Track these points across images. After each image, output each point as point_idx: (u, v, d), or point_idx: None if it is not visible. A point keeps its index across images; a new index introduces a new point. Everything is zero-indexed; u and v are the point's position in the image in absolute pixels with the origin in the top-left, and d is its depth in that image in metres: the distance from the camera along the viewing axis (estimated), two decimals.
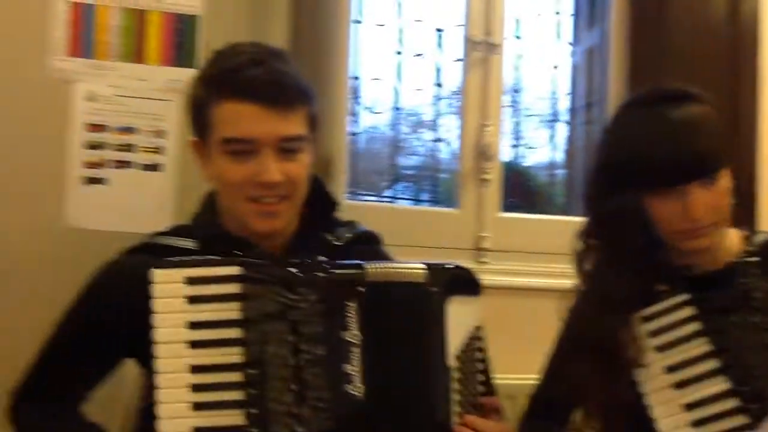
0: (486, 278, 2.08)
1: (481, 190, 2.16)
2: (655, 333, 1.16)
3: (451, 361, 1.03)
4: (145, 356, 0.99)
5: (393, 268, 1.04)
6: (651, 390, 1.15)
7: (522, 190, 2.43)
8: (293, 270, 0.97)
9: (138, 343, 1.00)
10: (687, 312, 1.15)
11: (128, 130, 1.54)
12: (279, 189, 1.06)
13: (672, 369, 1.14)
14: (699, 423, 1.11)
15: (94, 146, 1.52)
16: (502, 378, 1.96)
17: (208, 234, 1.12)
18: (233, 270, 0.99)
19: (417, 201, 2.39)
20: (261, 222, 1.07)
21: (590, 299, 1.25)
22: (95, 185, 1.52)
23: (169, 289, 0.97)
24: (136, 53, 1.53)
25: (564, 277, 2.05)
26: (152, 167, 1.53)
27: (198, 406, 0.95)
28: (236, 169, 1.05)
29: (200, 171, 1.14)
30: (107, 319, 1.09)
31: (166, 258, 1.03)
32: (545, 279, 2.12)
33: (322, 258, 1.02)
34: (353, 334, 0.95)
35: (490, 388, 1.13)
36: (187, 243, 1.11)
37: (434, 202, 2.43)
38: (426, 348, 1.03)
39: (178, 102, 1.54)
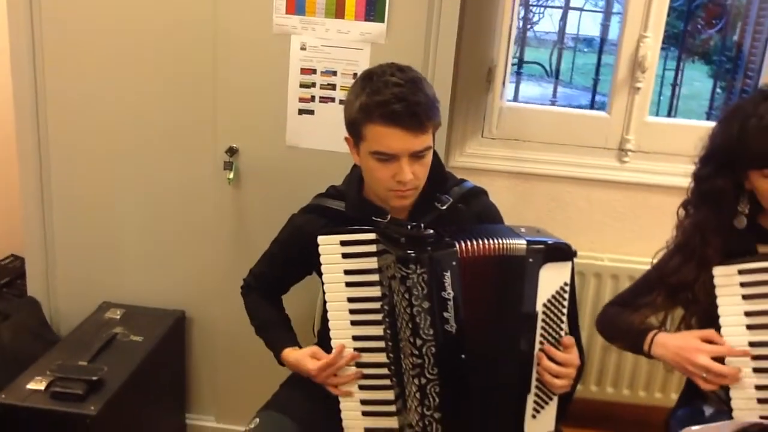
0: (625, 175, 2.40)
1: (632, 98, 2.39)
2: (745, 284, 1.46)
3: (539, 308, 1.39)
4: (321, 275, 1.50)
5: (487, 245, 1.37)
6: (726, 323, 1.47)
7: None
8: (410, 251, 1.35)
9: (315, 268, 1.53)
10: None
11: (330, 72, 1.97)
12: (409, 184, 1.45)
13: (749, 314, 1.45)
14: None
15: (306, 86, 1.98)
16: (629, 261, 2.34)
17: (354, 200, 1.57)
18: (370, 236, 1.43)
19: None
20: (397, 201, 1.50)
21: (682, 252, 1.57)
22: (307, 115, 2.00)
23: (330, 249, 1.46)
24: (337, 11, 1.90)
25: None
26: None
27: (353, 323, 1.46)
28: (381, 169, 1.45)
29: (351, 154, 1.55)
30: (296, 253, 1.63)
31: (325, 216, 1.56)
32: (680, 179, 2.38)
33: (429, 231, 1.38)
34: (448, 292, 1.34)
35: (572, 328, 1.46)
36: (340, 205, 1.58)
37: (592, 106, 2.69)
38: (517, 298, 1.39)
39: (369, 50, 1.93)
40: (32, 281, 2.22)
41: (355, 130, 1.48)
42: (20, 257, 2.51)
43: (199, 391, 2.32)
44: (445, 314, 1.35)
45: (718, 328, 1.48)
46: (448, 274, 1.35)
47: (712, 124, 1.57)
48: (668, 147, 2.40)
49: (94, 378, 1.74)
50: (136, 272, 2.20)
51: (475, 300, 1.38)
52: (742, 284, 1.46)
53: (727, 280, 1.48)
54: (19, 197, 2.17)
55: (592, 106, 3.06)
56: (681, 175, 2.36)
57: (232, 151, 2.03)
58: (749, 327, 1.45)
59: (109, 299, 2.21)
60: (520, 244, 1.39)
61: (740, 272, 1.46)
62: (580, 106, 3.67)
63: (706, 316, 1.51)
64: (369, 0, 1.89)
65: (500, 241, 1.39)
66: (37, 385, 1.73)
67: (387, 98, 1.39)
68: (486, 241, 1.38)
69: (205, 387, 2.31)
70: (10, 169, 2.35)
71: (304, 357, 1.53)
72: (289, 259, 1.66)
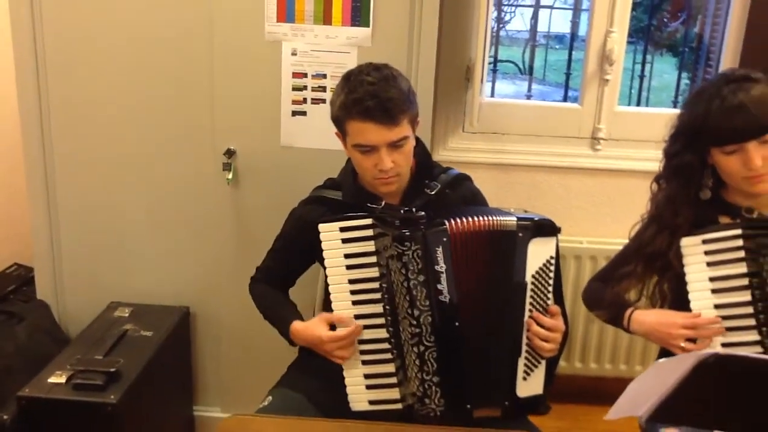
0: (598, 162, 2.54)
1: (601, 89, 2.54)
2: (708, 253, 1.60)
3: (528, 278, 1.53)
4: (323, 264, 1.61)
5: (477, 222, 1.51)
6: (693, 289, 1.60)
7: None
8: (405, 230, 1.48)
9: (317, 255, 1.63)
10: (738, 242, 1.56)
11: (321, 75, 2.10)
12: (391, 171, 1.60)
13: (713, 279, 1.59)
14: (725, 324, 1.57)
15: (298, 89, 2.11)
16: (605, 243, 2.47)
17: (349, 189, 1.72)
18: (367, 221, 1.56)
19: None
20: (383, 188, 1.65)
21: (656, 222, 1.71)
22: (300, 116, 2.13)
23: (330, 235, 1.58)
24: (325, 17, 2.04)
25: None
26: None
27: (355, 303, 1.57)
28: (365, 159, 1.61)
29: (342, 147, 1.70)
30: (298, 244, 1.75)
31: (325, 205, 1.70)
32: (649, 163, 2.53)
33: (421, 213, 1.52)
34: (441, 266, 1.48)
35: (557, 299, 1.59)
36: (337, 194, 1.73)
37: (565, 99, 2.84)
38: (508, 269, 1.52)
39: (356, 53, 2.07)
40: (41, 285, 2.32)
41: (339, 126, 1.65)
42: (24, 266, 2.60)
43: (205, 383, 2.43)
44: (439, 286, 1.49)
45: (686, 293, 1.63)
46: (439, 249, 1.49)
47: (676, 111, 1.71)
48: (637, 134, 2.56)
49: (112, 369, 1.85)
50: (141, 272, 2.31)
51: (468, 272, 1.52)
52: (706, 252, 1.61)
53: (692, 249, 1.62)
54: (23, 206, 2.27)
55: (565, 101, 3.22)
56: (650, 159, 2.57)
57: (230, 153, 2.15)
58: (714, 291, 1.59)
59: (117, 299, 2.32)
60: (511, 220, 1.54)
61: (704, 242, 1.61)
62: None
63: (677, 282, 1.66)
64: (354, 6, 2.02)
65: (492, 218, 1.53)
66: (59, 378, 1.84)
67: (361, 96, 1.56)
68: (477, 219, 1.52)
69: (210, 379, 2.42)
70: (13, 179, 2.46)
71: (315, 324, 1.63)
72: (294, 250, 1.79)
